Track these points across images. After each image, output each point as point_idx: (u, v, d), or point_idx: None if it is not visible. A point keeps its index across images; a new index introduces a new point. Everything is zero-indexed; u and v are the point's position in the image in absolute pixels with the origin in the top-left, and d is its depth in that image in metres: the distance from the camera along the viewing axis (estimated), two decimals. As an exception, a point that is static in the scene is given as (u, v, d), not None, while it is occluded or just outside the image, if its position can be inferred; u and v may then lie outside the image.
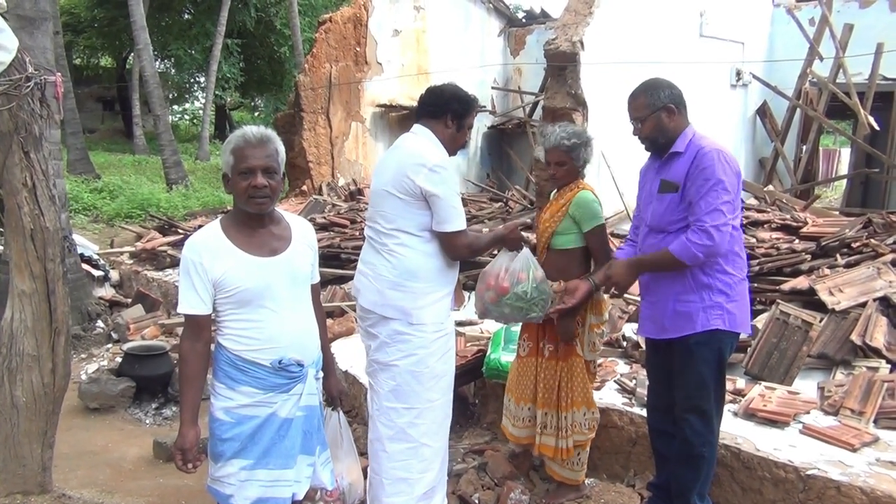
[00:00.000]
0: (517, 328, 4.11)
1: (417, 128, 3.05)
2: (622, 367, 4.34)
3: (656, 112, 2.88)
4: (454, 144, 3.05)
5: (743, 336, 3.11)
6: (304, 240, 2.56)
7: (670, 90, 2.91)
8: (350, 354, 4.85)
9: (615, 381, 4.07)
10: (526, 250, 3.17)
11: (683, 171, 2.85)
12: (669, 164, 2.92)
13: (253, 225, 2.44)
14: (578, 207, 3.23)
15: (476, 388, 4.42)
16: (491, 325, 5.13)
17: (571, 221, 3.26)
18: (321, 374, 2.65)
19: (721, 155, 2.78)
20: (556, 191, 3.43)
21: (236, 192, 2.39)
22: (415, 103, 11.99)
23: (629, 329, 4.78)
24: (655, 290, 2.99)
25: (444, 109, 3.00)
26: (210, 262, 2.34)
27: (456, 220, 2.89)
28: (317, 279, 2.66)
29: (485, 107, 12.66)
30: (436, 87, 3.09)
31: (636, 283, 3.16)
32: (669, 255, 2.82)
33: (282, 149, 2.45)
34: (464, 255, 3.00)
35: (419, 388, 2.95)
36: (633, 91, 2.96)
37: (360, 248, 8.00)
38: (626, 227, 7.78)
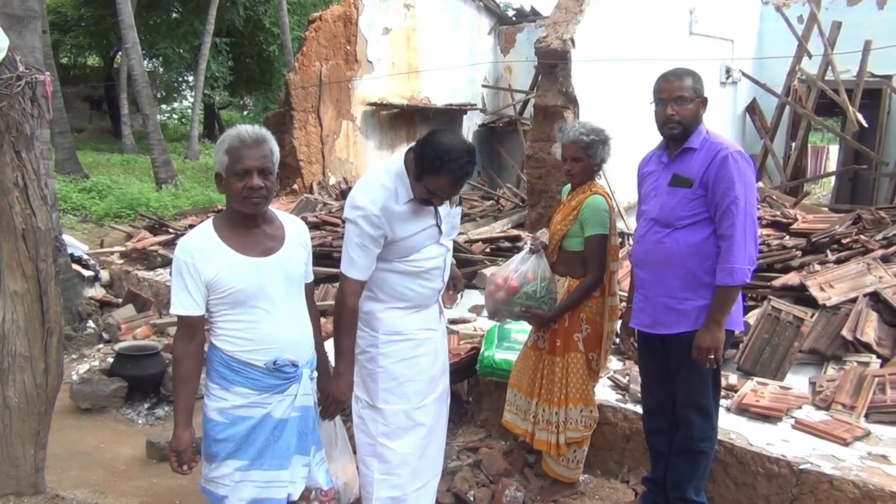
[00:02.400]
0: (511, 325, 4.13)
1: (400, 155, 2.80)
2: (615, 363, 4.35)
3: (699, 98, 2.88)
4: (415, 191, 2.73)
5: (736, 332, 3.13)
6: (297, 239, 2.54)
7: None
8: (343, 353, 4.83)
9: (608, 377, 4.08)
10: (534, 255, 3.23)
11: (699, 169, 2.83)
12: (682, 159, 2.91)
13: (246, 225, 2.42)
14: (587, 211, 3.25)
15: (470, 385, 4.43)
16: (485, 323, 5.14)
17: (580, 226, 3.28)
18: (315, 374, 2.64)
19: (740, 162, 2.77)
20: (570, 190, 3.44)
21: (231, 193, 2.37)
22: (405, 101, 11.84)
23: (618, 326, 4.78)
24: (652, 285, 2.99)
25: (414, 150, 2.71)
26: (203, 263, 2.33)
27: (345, 265, 2.77)
28: (310, 278, 2.64)
29: (475, 105, 12.67)
30: (440, 132, 2.73)
31: (630, 277, 3.18)
32: (728, 291, 2.78)
33: (276, 148, 2.44)
34: (338, 299, 2.80)
35: (373, 386, 2.92)
36: (676, 71, 2.90)
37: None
38: (619, 225, 7.80)
